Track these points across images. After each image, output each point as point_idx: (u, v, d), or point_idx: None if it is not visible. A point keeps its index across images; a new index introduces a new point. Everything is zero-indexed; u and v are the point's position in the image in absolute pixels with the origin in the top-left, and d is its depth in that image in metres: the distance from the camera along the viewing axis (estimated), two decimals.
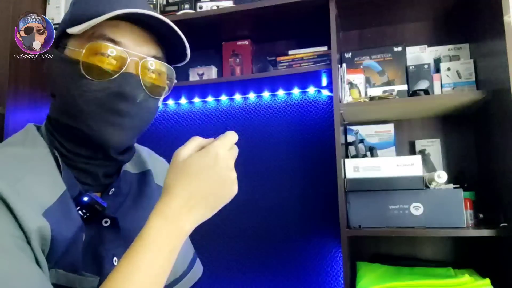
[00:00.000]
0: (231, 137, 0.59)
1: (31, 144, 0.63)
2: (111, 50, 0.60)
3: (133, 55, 0.61)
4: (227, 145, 0.58)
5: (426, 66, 1.42)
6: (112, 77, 0.60)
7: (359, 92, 1.43)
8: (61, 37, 0.64)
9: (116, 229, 0.66)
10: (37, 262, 0.53)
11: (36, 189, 0.56)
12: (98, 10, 0.60)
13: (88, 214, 0.63)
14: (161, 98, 0.69)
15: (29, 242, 0.52)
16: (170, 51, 0.67)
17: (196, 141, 0.59)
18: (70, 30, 0.61)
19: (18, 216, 0.51)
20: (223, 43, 1.64)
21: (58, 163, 0.62)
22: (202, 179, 0.56)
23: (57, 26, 0.66)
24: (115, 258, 0.64)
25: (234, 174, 0.59)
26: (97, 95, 0.60)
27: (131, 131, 0.64)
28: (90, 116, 0.60)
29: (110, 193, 0.68)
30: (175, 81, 0.69)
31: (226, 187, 0.58)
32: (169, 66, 0.67)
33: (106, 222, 0.65)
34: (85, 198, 0.62)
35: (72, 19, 0.62)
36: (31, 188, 0.56)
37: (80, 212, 0.62)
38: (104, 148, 0.63)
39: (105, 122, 0.61)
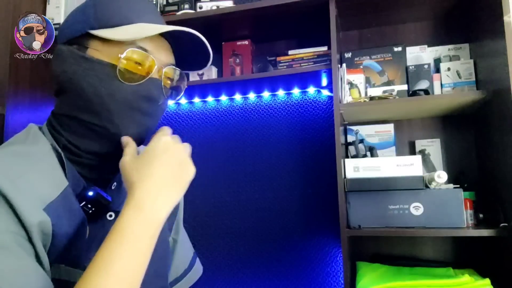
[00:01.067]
0: (166, 128, 0.66)
1: (33, 141, 0.63)
2: (146, 57, 0.65)
3: (158, 62, 0.66)
4: (168, 132, 0.64)
5: (426, 66, 1.42)
6: (141, 81, 0.64)
7: (359, 92, 1.43)
8: (79, 36, 0.65)
9: None
10: (38, 258, 0.53)
11: (38, 185, 0.57)
12: (127, 17, 0.64)
13: (93, 208, 0.64)
14: None
15: (30, 238, 0.52)
16: (180, 58, 0.72)
17: (132, 146, 0.64)
18: (108, 35, 0.63)
19: (19, 212, 0.52)
20: (223, 43, 1.63)
21: (61, 159, 0.63)
22: (160, 165, 0.59)
23: (57, 26, 0.66)
24: None
25: (187, 156, 0.63)
26: (128, 97, 0.64)
27: (150, 129, 0.69)
28: (117, 114, 0.64)
29: (112, 187, 0.69)
30: (186, 86, 0.75)
31: (183, 168, 0.62)
32: (183, 72, 0.73)
33: (110, 216, 0.67)
34: (90, 193, 0.63)
35: (100, 21, 0.64)
36: (32, 184, 0.56)
37: (85, 207, 0.63)
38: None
39: (131, 121, 0.65)
